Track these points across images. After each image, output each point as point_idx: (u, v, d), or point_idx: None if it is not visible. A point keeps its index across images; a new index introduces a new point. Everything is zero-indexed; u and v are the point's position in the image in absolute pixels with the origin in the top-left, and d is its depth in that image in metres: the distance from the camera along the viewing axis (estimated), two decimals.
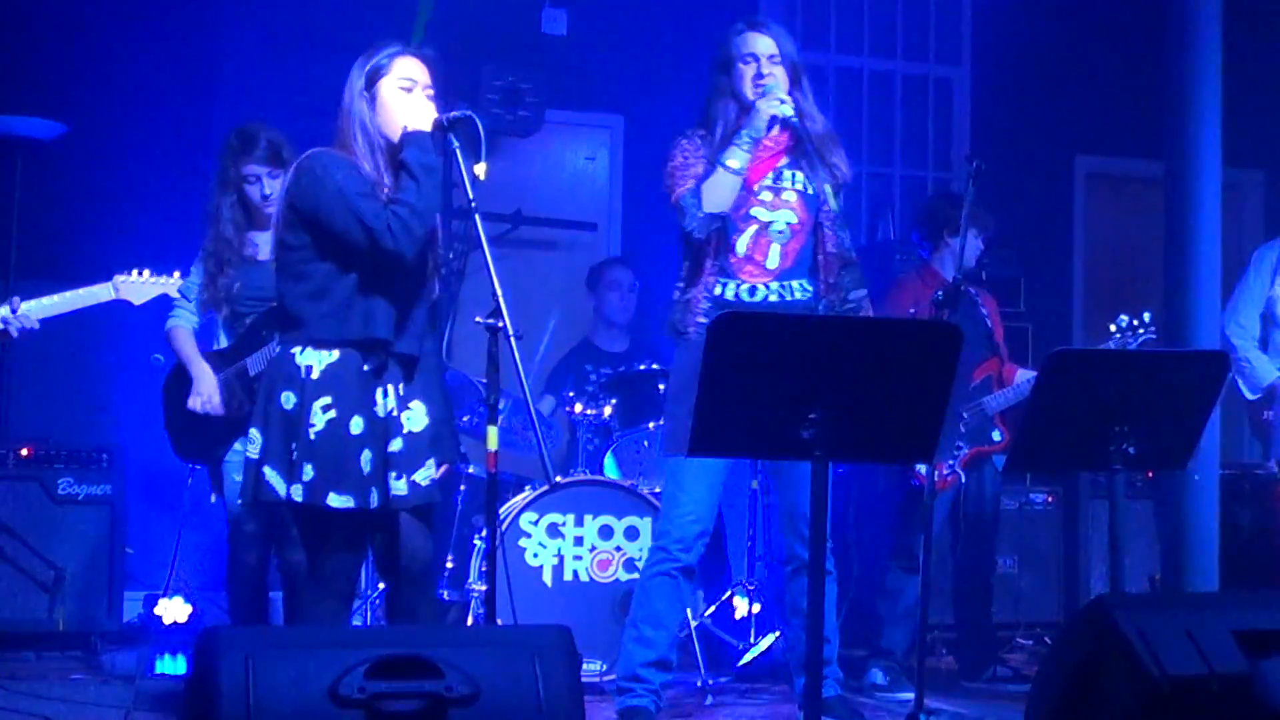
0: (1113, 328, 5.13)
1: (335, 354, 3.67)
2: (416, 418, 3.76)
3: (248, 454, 3.74)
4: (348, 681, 2.55)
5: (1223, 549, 5.16)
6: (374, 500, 3.68)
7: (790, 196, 4.47)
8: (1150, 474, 6.24)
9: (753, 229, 4.44)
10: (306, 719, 2.52)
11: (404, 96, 3.74)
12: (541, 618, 4.87)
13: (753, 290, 4.44)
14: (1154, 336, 5.01)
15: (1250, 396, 5.95)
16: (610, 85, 7.51)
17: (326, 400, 3.65)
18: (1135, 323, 5.07)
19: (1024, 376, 5.55)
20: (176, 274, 4.78)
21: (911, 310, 5.32)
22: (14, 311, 4.48)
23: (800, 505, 4.46)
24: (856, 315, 4.53)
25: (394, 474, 3.68)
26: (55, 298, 4.66)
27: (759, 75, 4.39)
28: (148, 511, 6.12)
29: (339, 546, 3.74)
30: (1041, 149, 8.02)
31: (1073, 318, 8.21)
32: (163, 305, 4.91)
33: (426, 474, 3.75)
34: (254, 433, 3.72)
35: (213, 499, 5.02)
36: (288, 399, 3.66)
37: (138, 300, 4.71)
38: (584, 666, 3.74)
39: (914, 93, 8.18)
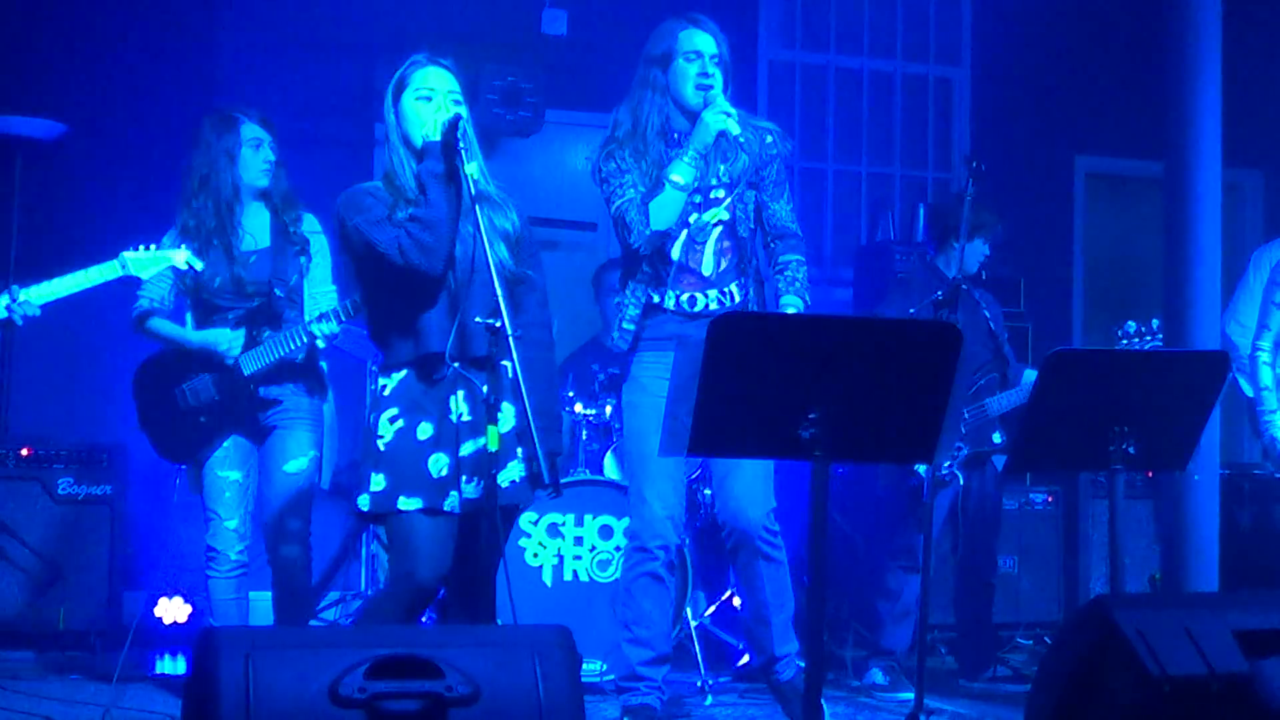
0: (1120, 333, 5.12)
1: (404, 371, 3.77)
2: (505, 420, 3.77)
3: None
4: (348, 681, 2.54)
5: (1223, 549, 5.16)
6: (450, 504, 3.70)
7: (719, 193, 4.40)
8: (1150, 474, 6.24)
9: (684, 234, 4.37)
10: (306, 719, 2.52)
11: (422, 107, 3.76)
12: (541, 618, 4.88)
13: (692, 300, 4.39)
14: (1160, 344, 5.00)
15: (1251, 394, 5.96)
16: (610, 85, 7.46)
17: (394, 411, 3.74)
18: (1143, 329, 5.07)
19: (1030, 376, 5.54)
20: (184, 247, 4.66)
21: (912, 311, 5.32)
22: (14, 300, 4.45)
23: (729, 486, 4.40)
24: (785, 278, 4.46)
25: (464, 477, 3.71)
26: (61, 280, 4.61)
27: (704, 73, 4.31)
28: (148, 511, 6.11)
29: (414, 553, 3.71)
30: (1041, 149, 8.02)
31: (1073, 318, 8.21)
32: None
33: (509, 476, 3.76)
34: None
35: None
36: (371, 418, 3.79)
37: (146, 275, 4.64)
38: (584, 666, 3.74)
39: (914, 93, 8.18)
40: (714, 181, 4.39)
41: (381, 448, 3.72)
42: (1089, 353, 4.50)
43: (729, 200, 4.40)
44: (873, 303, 6.64)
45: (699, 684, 5.09)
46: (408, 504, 3.69)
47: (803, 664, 4.58)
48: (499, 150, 7.14)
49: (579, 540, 5.35)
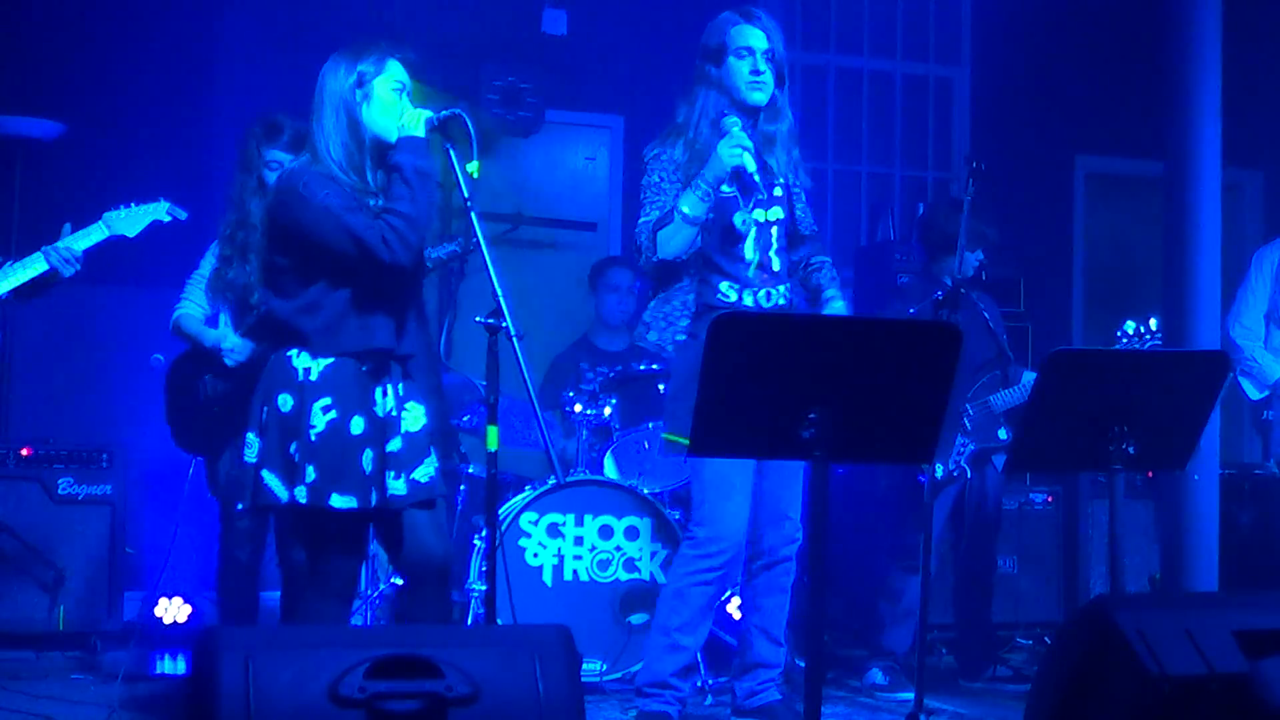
0: (1119, 334, 5.11)
1: (331, 358, 3.67)
2: (415, 418, 3.78)
3: (245, 458, 3.71)
4: (348, 681, 2.54)
5: (1223, 549, 5.16)
6: (374, 499, 3.69)
7: (779, 191, 4.46)
8: (1150, 474, 6.23)
9: (754, 231, 4.40)
10: (306, 719, 2.51)
11: (398, 99, 3.73)
12: (541, 618, 4.88)
13: (769, 296, 4.41)
14: (1160, 344, 4.99)
15: (1256, 396, 5.96)
16: (610, 85, 7.51)
17: (327, 401, 3.64)
18: (1142, 329, 5.06)
19: (1030, 377, 5.54)
20: (161, 200, 4.63)
21: (911, 311, 5.32)
22: (10, 263, 4.49)
23: (786, 500, 4.46)
24: (824, 276, 4.52)
25: (392, 473, 3.69)
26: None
27: (755, 70, 4.34)
28: (148, 511, 6.11)
29: (340, 547, 3.75)
30: (1041, 149, 8.02)
31: (1073, 318, 8.22)
32: (164, 303, 4.88)
33: (426, 471, 3.76)
34: (250, 437, 3.71)
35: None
36: (285, 401, 3.65)
37: (132, 232, 4.61)
38: (584, 666, 3.74)
39: (914, 93, 8.18)
40: (774, 180, 4.43)
41: (313, 438, 3.61)
42: (1089, 353, 4.49)
43: (785, 197, 4.46)
44: (873, 304, 6.64)
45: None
46: (342, 501, 3.62)
47: (801, 664, 4.59)
48: (499, 150, 7.14)
49: (579, 540, 5.35)
